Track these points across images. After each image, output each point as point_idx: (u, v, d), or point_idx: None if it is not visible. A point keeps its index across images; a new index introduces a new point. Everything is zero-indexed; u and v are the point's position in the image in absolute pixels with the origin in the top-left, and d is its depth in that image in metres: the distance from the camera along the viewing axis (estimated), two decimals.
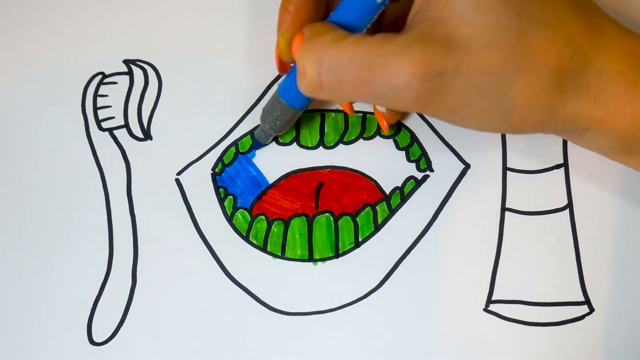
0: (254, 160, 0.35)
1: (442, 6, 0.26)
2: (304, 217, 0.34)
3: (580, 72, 0.27)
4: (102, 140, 0.37)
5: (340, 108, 0.36)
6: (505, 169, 0.34)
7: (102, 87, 0.38)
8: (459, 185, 0.34)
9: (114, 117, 0.37)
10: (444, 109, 0.27)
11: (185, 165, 0.36)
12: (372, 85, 0.26)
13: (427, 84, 0.26)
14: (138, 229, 0.35)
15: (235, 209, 0.35)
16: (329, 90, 0.27)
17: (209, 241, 0.34)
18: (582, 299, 0.32)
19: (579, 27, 0.27)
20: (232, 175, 0.35)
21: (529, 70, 0.26)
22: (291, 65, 0.33)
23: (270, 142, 0.35)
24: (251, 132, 0.36)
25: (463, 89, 0.26)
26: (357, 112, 0.35)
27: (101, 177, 0.36)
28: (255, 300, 0.33)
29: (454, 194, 0.34)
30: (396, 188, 0.34)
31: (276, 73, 0.36)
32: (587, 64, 0.27)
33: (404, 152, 0.35)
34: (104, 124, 0.37)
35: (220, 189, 0.35)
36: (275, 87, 0.33)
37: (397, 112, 0.34)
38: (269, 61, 0.37)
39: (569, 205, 0.33)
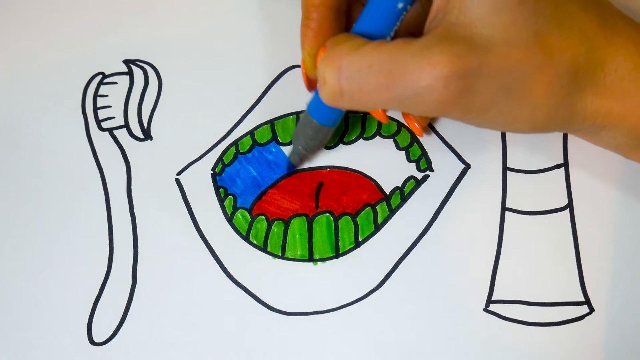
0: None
1: (458, 11, 0.26)
2: (304, 217, 0.34)
3: (596, 70, 0.27)
4: (102, 140, 0.37)
5: None
6: (505, 169, 0.34)
7: (102, 87, 0.38)
8: (459, 185, 0.34)
9: (114, 117, 0.37)
10: (470, 111, 0.27)
11: (185, 165, 0.36)
12: (393, 90, 0.26)
13: (452, 85, 0.25)
14: (138, 229, 0.35)
15: (235, 209, 0.35)
16: (350, 97, 0.27)
17: (209, 241, 0.34)
18: (582, 299, 0.32)
19: (592, 25, 0.27)
20: (232, 175, 0.35)
21: (548, 68, 0.26)
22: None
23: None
24: (251, 132, 0.36)
25: (488, 89, 0.26)
26: (357, 112, 0.35)
27: (101, 177, 0.36)
28: (256, 300, 0.33)
29: (454, 194, 0.34)
30: (396, 188, 0.34)
31: (277, 73, 0.37)
32: (602, 61, 0.27)
33: (404, 152, 0.35)
34: (104, 124, 0.37)
35: (220, 189, 0.35)
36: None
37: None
38: (269, 61, 0.37)
39: (569, 205, 0.33)
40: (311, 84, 0.34)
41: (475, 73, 0.25)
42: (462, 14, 0.26)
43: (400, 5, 0.28)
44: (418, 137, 0.35)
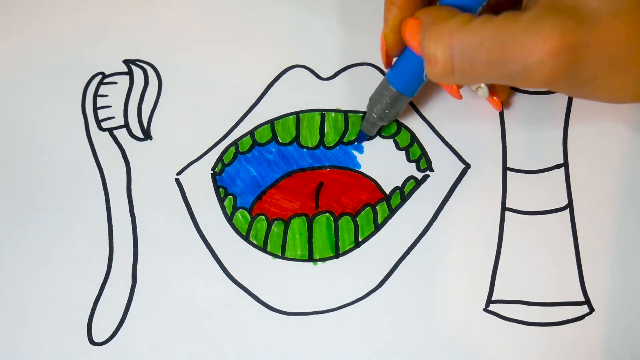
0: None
1: None
2: (304, 217, 0.34)
3: None
4: (102, 140, 0.37)
5: (341, 108, 0.36)
6: (505, 169, 0.34)
7: (102, 87, 0.38)
8: (459, 185, 0.34)
9: (114, 117, 0.37)
10: (574, 84, 0.27)
11: (185, 165, 0.36)
12: (505, 65, 0.26)
13: (562, 59, 0.26)
14: (138, 229, 0.35)
15: (235, 209, 0.35)
16: (461, 74, 0.27)
17: (209, 241, 0.34)
18: (582, 299, 0.32)
19: None
20: (232, 175, 0.35)
21: None
22: (394, 59, 0.33)
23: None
24: (251, 132, 0.36)
25: (594, 62, 0.26)
26: (357, 112, 0.35)
27: (101, 177, 0.36)
28: (256, 300, 0.33)
29: (454, 194, 0.34)
30: (396, 188, 0.34)
31: (277, 73, 0.37)
32: None
33: (404, 152, 0.35)
34: (104, 124, 0.37)
35: (220, 189, 0.35)
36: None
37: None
38: (269, 61, 0.37)
39: (569, 205, 0.33)
40: (390, 61, 0.33)
41: (584, 47, 0.26)
42: None
43: None
44: (417, 137, 0.35)
